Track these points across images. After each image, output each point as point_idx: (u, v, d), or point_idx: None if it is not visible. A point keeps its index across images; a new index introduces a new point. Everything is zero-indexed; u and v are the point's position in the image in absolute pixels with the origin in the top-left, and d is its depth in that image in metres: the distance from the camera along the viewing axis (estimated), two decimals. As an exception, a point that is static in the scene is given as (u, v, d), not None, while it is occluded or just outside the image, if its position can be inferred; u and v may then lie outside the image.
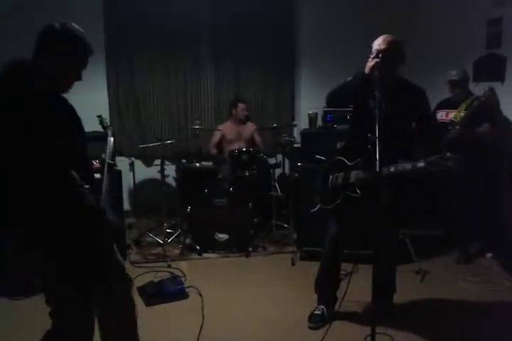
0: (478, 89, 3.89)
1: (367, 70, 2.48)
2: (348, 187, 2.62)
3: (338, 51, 5.12)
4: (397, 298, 2.97)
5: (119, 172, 3.81)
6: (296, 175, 4.02)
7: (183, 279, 3.41)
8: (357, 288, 2.66)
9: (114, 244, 2.00)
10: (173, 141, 4.38)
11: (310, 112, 4.54)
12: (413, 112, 2.65)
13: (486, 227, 3.88)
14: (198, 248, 4.04)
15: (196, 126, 4.54)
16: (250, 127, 5.09)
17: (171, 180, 4.60)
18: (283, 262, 3.83)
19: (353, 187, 2.58)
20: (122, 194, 4.12)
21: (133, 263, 3.79)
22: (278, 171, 4.92)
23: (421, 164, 2.34)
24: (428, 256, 3.85)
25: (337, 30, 5.20)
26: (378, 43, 2.53)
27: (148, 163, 5.42)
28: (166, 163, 4.29)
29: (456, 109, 3.77)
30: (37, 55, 1.79)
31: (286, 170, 4.97)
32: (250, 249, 4.06)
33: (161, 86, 5.34)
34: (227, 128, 5.01)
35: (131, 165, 4.68)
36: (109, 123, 2.41)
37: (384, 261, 2.65)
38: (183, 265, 3.79)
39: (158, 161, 4.36)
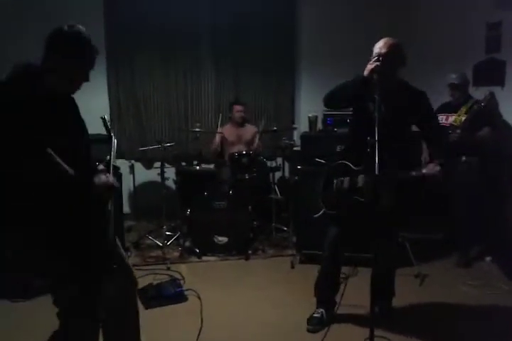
0: (478, 93, 3.90)
1: (366, 73, 2.48)
2: (355, 191, 2.59)
3: (338, 53, 5.14)
4: (396, 302, 2.97)
5: (120, 175, 3.81)
6: (296, 178, 4.02)
7: (182, 282, 3.40)
8: (356, 291, 2.66)
9: (117, 239, 2.03)
10: (173, 144, 4.39)
11: (310, 115, 4.55)
12: (413, 115, 2.64)
13: (485, 231, 3.88)
14: (198, 251, 4.04)
15: (196, 129, 4.55)
16: (251, 130, 5.08)
17: (170, 183, 4.61)
18: (282, 265, 3.83)
19: (360, 191, 2.55)
20: (122, 196, 4.12)
21: (132, 265, 3.77)
22: (278, 174, 4.93)
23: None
24: (427, 260, 3.85)
25: (337, 31, 5.22)
26: (379, 46, 2.53)
27: (148, 166, 5.43)
28: (166, 165, 4.29)
29: (456, 112, 3.79)
30: (46, 57, 1.82)
31: (286, 173, 4.98)
32: (250, 251, 4.05)
33: (161, 87, 5.36)
34: (227, 131, 5.01)
35: (131, 167, 4.69)
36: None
37: (383, 264, 2.65)
38: (183, 268, 3.79)
39: (158, 164, 4.37)
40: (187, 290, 3.23)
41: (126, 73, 5.26)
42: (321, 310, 2.84)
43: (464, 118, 3.68)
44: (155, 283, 3.31)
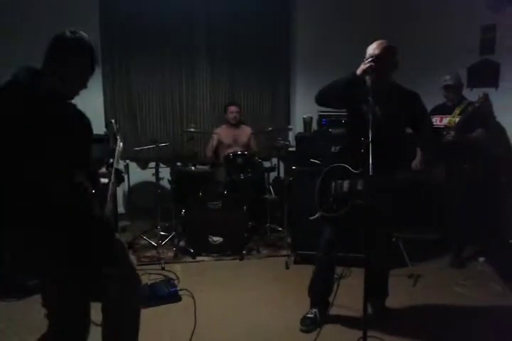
0: (472, 94, 3.92)
1: (359, 72, 2.48)
2: (355, 194, 2.58)
3: (333, 54, 5.15)
4: (390, 302, 2.98)
5: (122, 178, 3.78)
6: (291, 178, 4.03)
7: (176, 282, 3.41)
8: (349, 292, 2.67)
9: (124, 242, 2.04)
10: (168, 144, 4.39)
11: (305, 116, 4.57)
12: (407, 116, 2.65)
13: (479, 231, 3.90)
14: (192, 251, 4.04)
15: (191, 129, 4.55)
16: (247, 131, 5.09)
17: (165, 183, 4.60)
18: (277, 265, 3.83)
19: (360, 194, 2.53)
20: (117, 197, 4.12)
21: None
22: (273, 175, 4.93)
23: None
24: (421, 260, 3.87)
25: (332, 32, 5.25)
26: (373, 48, 2.54)
27: (143, 166, 5.42)
28: (161, 165, 4.29)
29: (450, 114, 3.80)
30: (47, 62, 1.82)
31: (281, 174, 4.98)
32: (244, 252, 4.06)
33: (156, 87, 5.34)
34: (223, 132, 5.01)
35: (126, 167, 4.68)
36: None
37: (377, 265, 2.66)
38: (177, 268, 3.79)
39: (153, 164, 4.36)
40: (181, 290, 3.23)
41: (121, 73, 5.24)
42: (315, 310, 2.85)
43: (457, 120, 3.70)
44: (149, 282, 3.31)
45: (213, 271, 3.77)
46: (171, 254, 4.06)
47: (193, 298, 3.12)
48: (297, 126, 5.02)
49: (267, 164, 5.12)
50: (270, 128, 4.62)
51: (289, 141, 4.72)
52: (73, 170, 1.75)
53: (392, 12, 5.21)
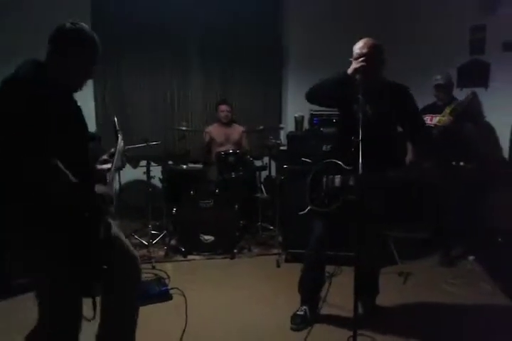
0: (462, 94, 3.95)
1: (350, 71, 2.48)
2: (346, 189, 2.58)
3: (325, 54, 5.14)
4: (380, 300, 3.00)
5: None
6: (282, 177, 4.04)
7: (167, 281, 3.40)
8: (340, 290, 2.68)
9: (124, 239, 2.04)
10: (159, 142, 4.37)
11: (296, 115, 4.57)
12: (398, 113, 2.63)
13: (468, 230, 3.93)
14: (183, 249, 4.04)
15: (183, 128, 4.53)
16: (238, 129, 5.09)
17: (156, 182, 4.59)
18: (268, 264, 3.84)
19: (352, 189, 2.54)
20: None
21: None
22: (264, 173, 4.93)
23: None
24: (411, 258, 3.89)
25: (324, 32, 5.24)
26: (359, 47, 2.51)
27: (134, 164, 5.39)
28: (152, 164, 4.27)
29: (440, 113, 3.83)
30: (50, 55, 1.82)
31: (273, 173, 4.99)
32: (235, 250, 4.06)
33: (147, 85, 5.32)
34: (214, 130, 5.01)
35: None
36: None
37: (367, 263, 2.66)
38: (168, 266, 3.78)
39: (144, 162, 4.35)
40: (172, 288, 3.23)
41: (112, 71, 5.22)
42: (305, 307, 2.85)
43: (447, 118, 3.72)
44: (140, 281, 3.30)
45: (204, 270, 3.77)
46: (162, 253, 4.05)
47: (184, 296, 3.10)
48: (289, 125, 5.02)
49: (258, 163, 5.12)
50: (262, 127, 4.61)
51: (280, 140, 4.72)
52: (72, 167, 1.73)
53: (384, 12, 5.23)
